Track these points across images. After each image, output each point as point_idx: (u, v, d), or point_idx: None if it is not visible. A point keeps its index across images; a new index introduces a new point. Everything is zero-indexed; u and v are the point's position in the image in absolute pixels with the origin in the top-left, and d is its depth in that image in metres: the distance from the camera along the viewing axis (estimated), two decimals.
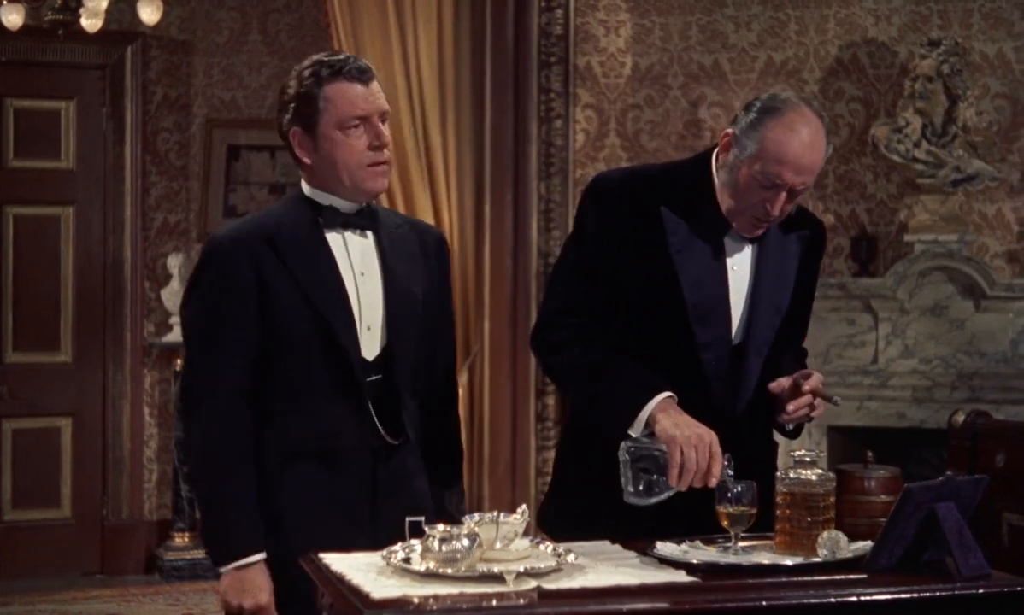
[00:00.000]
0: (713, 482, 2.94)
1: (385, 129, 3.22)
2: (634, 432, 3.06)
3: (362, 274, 3.23)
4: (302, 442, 3.17)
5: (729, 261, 3.25)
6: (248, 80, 8.05)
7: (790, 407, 3.17)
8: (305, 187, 3.27)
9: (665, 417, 3.03)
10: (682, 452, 2.96)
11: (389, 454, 3.23)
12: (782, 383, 3.18)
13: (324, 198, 3.24)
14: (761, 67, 7.52)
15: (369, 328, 3.21)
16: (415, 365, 3.27)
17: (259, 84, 8.05)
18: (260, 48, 8.06)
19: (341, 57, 3.24)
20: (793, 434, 3.34)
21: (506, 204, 7.41)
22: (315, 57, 3.26)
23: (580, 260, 3.29)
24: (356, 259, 3.24)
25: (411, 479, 3.27)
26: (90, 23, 6.62)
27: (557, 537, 3.01)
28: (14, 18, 6.72)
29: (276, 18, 8.09)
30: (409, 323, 3.26)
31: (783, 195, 3.13)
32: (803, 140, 3.10)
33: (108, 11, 6.70)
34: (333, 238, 3.23)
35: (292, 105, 3.21)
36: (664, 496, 2.99)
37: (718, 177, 3.22)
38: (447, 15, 7.23)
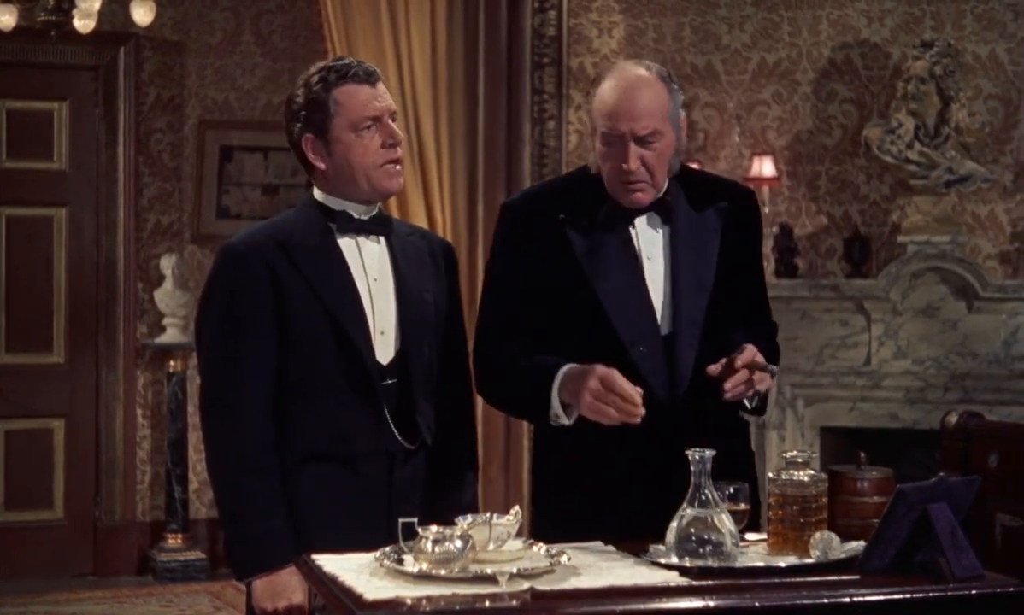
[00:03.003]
0: (638, 404, 3.02)
1: (395, 127, 3.25)
2: (564, 420, 3.16)
3: (375, 280, 3.25)
4: (319, 445, 3.18)
5: (645, 252, 3.28)
6: (241, 81, 8.04)
7: (727, 385, 3.13)
8: (317, 193, 3.29)
9: (569, 396, 3.12)
10: (601, 413, 3.05)
11: (405, 458, 3.24)
12: (716, 366, 3.16)
13: (337, 204, 3.26)
14: (754, 68, 7.53)
15: (383, 332, 3.23)
16: (429, 369, 3.29)
17: (252, 85, 8.04)
18: (253, 49, 8.06)
19: (346, 61, 3.26)
20: (758, 410, 3.30)
21: (499, 205, 7.40)
22: (320, 64, 3.28)
23: (499, 283, 3.37)
24: (369, 264, 3.26)
25: (427, 485, 3.29)
26: (83, 24, 6.61)
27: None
28: (6, 19, 6.71)
29: (269, 19, 8.08)
30: (422, 328, 3.28)
31: (631, 146, 3.20)
32: (622, 87, 3.22)
33: (101, 12, 6.69)
34: (346, 243, 3.25)
35: (302, 112, 3.22)
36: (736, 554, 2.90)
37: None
38: (440, 16, 7.23)
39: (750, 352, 3.14)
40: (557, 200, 3.34)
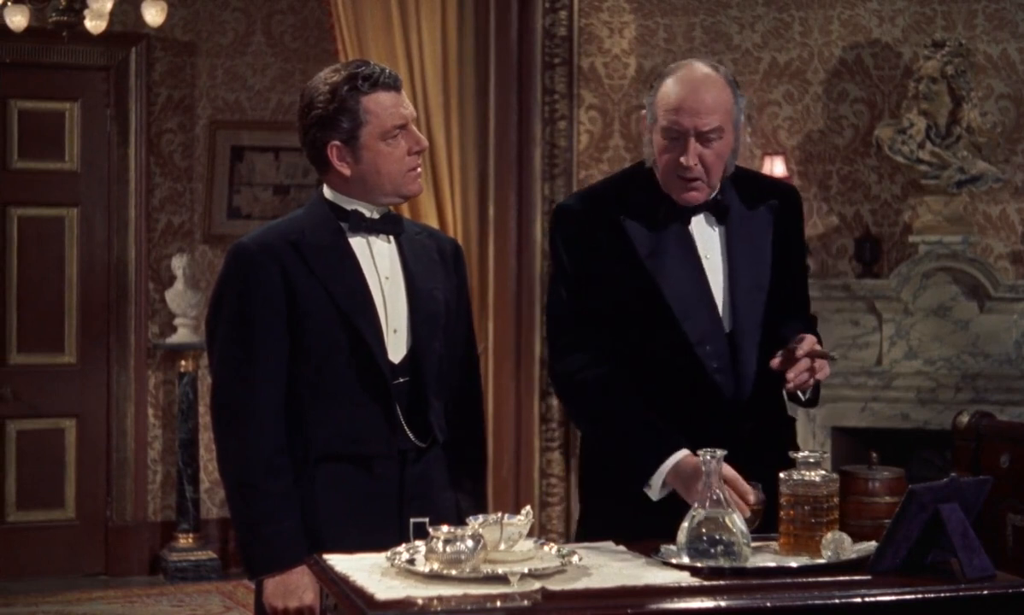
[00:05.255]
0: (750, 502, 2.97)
1: (418, 133, 3.26)
2: (653, 495, 3.10)
3: (387, 278, 3.25)
4: (332, 445, 3.17)
5: (702, 251, 3.29)
6: (252, 81, 8.05)
7: (789, 375, 3.13)
8: (327, 191, 3.28)
9: (680, 489, 3.05)
10: None
11: (417, 457, 3.24)
12: (777, 359, 3.15)
13: (348, 203, 3.25)
14: (765, 68, 7.52)
15: (395, 331, 3.23)
16: (439, 368, 3.29)
17: (263, 85, 8.06)
18: (264, 49, 8.07)
19: (372, 67, 3.23)
20: (810, 402, 3.29)
21: (510, 205, 7.42)
22: (344, 71, 3.23)
23: (566, 275, 3.34)
24: (381, 263, 3.25)
25: (438, 483, 3.29)
26: (94, 24, 6.62)
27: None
28: (18, 20, 6.72)
29: (280, 19, 8.09)
30: (432, 326, 3.28)
31: (691, 142, 3.20)
32: (688, 82, 3.21)
33: (112, 12, 6.69)
34: (357, 242, 3.25)
35: (327, 119, 3.19)
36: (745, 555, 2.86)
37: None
38: (451, 17, 7.23)
39: (809, 341, 3.15)
40: (615, 200, 3.34)
